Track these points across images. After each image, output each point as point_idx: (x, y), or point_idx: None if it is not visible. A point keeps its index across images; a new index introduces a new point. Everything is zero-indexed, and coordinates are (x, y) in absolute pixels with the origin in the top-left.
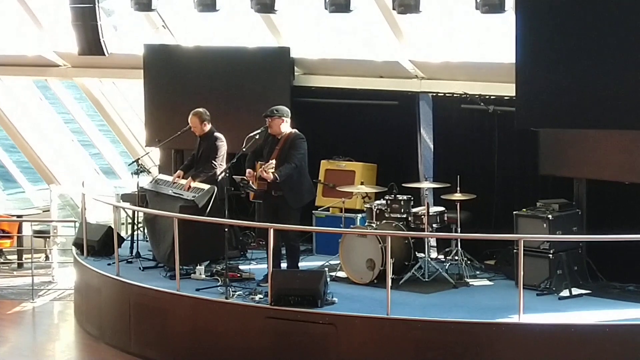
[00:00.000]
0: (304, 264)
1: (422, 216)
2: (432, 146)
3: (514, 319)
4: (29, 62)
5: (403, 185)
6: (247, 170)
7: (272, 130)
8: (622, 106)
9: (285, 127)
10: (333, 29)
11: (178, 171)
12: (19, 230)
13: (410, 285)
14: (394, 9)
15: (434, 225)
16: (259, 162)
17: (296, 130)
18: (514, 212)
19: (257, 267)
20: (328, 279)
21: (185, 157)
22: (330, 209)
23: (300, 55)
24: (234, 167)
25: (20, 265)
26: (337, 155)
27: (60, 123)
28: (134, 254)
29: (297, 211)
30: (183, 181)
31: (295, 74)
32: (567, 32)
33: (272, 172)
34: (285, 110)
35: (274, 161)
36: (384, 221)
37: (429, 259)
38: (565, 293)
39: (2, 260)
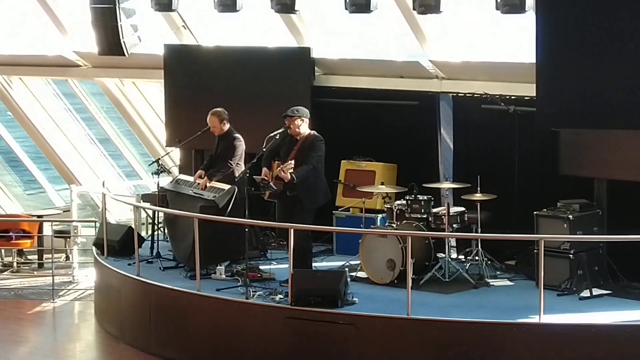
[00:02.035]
0: (324, 264)
1: (443, 216)
2: (452, 146)
3: (534, 319)
4: (50, 62)
5: (423, 185)
6: (263, 170)
7: (291, 131)
8: None
9: (304, 127)
10: (353, 29)
11: (199, 171)
12: (40, 230)
13: (430, 285)
14: (414, 9)
15: (455, 225)
16: (276, 162)
17: (315, 132)
18: (535, 212)
19: (277, 267)
20: (348, 279)
21: (206, 157)
22: (351, 209)
23: (320, 56)
24: (254, 167)
25: (40, 265)
26: (358, 156)
27: (81, 123)
28: (154, 254)
29: (312, 213)
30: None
31: (316, 74)
32: (587, 32)
33: (290, 173)
34: (305, 110)
35: (292, 162)
36: (405, 221)
37: (450, 259)
38: (586, 293)
39: (22, 260)
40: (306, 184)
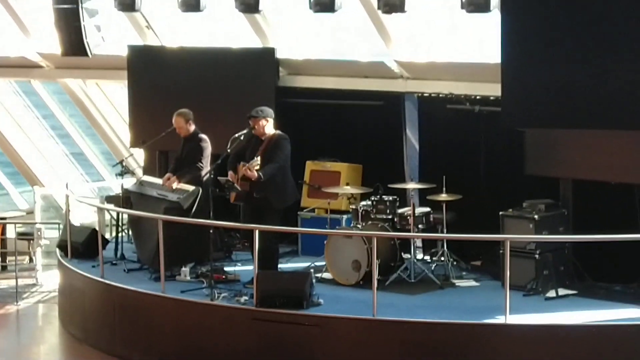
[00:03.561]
0: (289, 265)
1: (408, 217)
2: (417, 146)
3: (500, 319)
4: (12, 63)
5: (389, 186)
6: (229, 173)
7: (256, 131)
8: (608, 106)
9: (269, 128)
10: (317, 29)
11: (167, 174)
12: (3, 233)
13: (396, 286)
14: (378, 8)
15: (420, 226)
16: (242, 163)
17: (280, 131)
18: (500, 213)
19: (242, 268)
20: (314, 281)
21: (170, 158)
22: (316, 209)
23: (285, 56)
24: (219, 168)
25: (4, 268)
26: (323, 156)
27: (44, 124)
28: (118, 255)
29: (279, 213)
30: (174, 183)
31: (280, 74)
32: (552, 32)
33: (257, 171)
34: (269, 111)
35: (259, 158)
36: (370, 222)
37: (415, 260)
38: (551, 293)
39: None
40: (273, 183)
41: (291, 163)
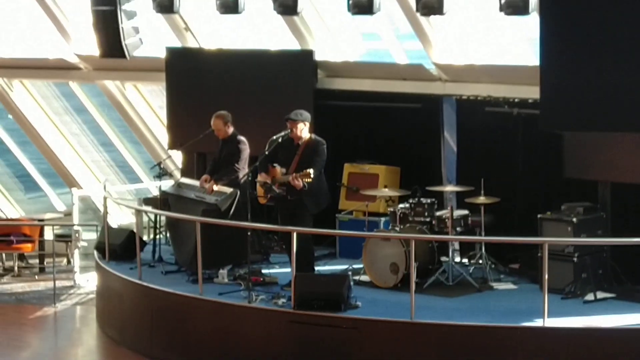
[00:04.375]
0: (327, 268)
1: (446, 220)
2: (455, 149)
3: (538, 323)
4: (51, 65)
5: (427, 188)
6: (260, 174)
7: (292, 135)
8: None
9: (306, 132)
10: (356, 31)
11: (204, 176)
12: (41, 234)
13: (434, 289)
14: (417, 10)
15: (458, 228)
16: (274, 166)
17: (316, 136)
18: (538, 216)
19: (280, 271)
20: (351, 283)
21: (208, 160)
22: (354, 212)
23: (323, 58)
24: (257, 170)
25: (42, 270)
26: (361, 159)
27: (82, 126)
28: (156, 258)
29: (312, 217)
30: (212, 184)
31: (318, 76)
32: (591, 34)
33: (304, 181)
34: (307, 114)
35: (312, 170)
36: (408, 225)
37: (453, 263)
38: (590, 297)
39: (23, 265)
40: (309, 188)
41: (329, 165)
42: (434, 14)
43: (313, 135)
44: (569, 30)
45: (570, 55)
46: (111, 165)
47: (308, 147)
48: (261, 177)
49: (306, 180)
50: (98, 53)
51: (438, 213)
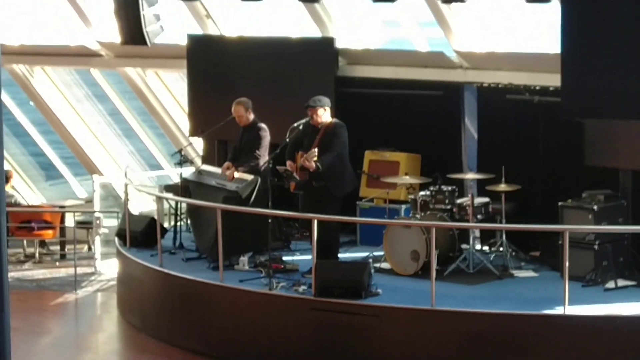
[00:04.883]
0: (348, 255)
1: (467, 207)
2: (476, 137)
3: (559, 310)
4: (72, 52)
5: (447, 176)
6: (288, 162)
7: (313, 121)
8: None
9: (326, 117)
10: (377, 19)
11: (226, 163)
12: (62, 221)
13: (454, 276)
14: None
15: (479, 216)
16: (300, 152)
17: (336, 119)
18: (559, 203)
19: (300, 258)
20: (372, 270)
21: (229, 147)
22: (375, 199)
23: (344, 46)
24: (277, 157)
25: (62, 256)
26: (381, 146)
27: (103, 113)
28: (177, 245)
29: (339, 202)
30: (233, 172)
31: (339, 64)
32: (613, 22)
33: (315, 161)
34: (326, 100)
35: (316, 150)
36: (429, 212)
37: (474, 250)
38: (610, 284)
39: (44, 251)
40: (332, 172)
41: (350, 153)
42: (455, 1)
43: (334, 120)
44: (590, 18)
45: (592, 43)
46: (132, 152)
47: (327, 130)
48: (288, 165)
49: (313, 158)
50: (119, 40)
51: (459, 200)
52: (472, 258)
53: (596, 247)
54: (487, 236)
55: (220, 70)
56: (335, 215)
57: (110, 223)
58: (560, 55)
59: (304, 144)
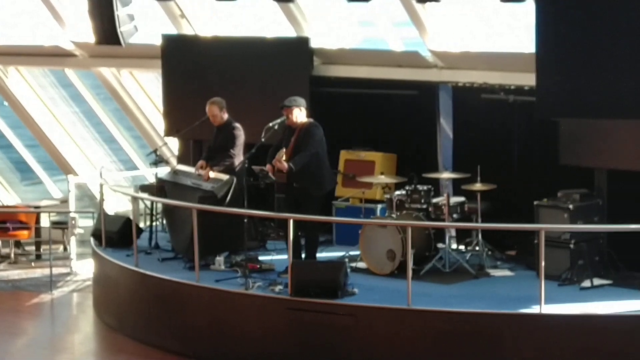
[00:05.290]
0: (324, 254)
1: (443, 206)
2: (451, 136)
3: (535, 309)
4: (47, 52)
5: (423, 175)
6: (267, 166)
7: (288, 121)
8: None
9: (302, 117)
10: (352, 19)
11: (200, 162)
12: (37, 222)
13: (431, 276)
14: None
15: (455, 215)
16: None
17: (311, 119)
18: (535, 203)
19: (276, 258)
20: (348, 270)
21: (204, 147)
22: (350, 199)
23: (319, 45)
24: (253, 157)
25: (38, 257)
26: (357, 146)
27: (78, 113)
28: (152, 245)
29: (318, 203)
30: (207, 171)
31: (314, 64)
32: (587, 21)
33: (286, 162)
34: (302, 100)
35: (283, 150)
36: (404, 211)
37: (450, 250)
38: (586, 283)
39: (20, 252)
40: (309, 171)
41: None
42: (430, 0)
43: (309, 120)
44: (565, 17)
45: (566, 42)
46: (107, 152)
47: (301, 131)
48: (268, 168)
49: (282, 159)
50: (93, 40)
51: (434, 200)
52: (448, 257)
53: (572, 246)
54: (463, 235)
55: (195, 70)
56: (315, 215)
57: (85, 223)
58: (535, 55)
59: (282, 146)
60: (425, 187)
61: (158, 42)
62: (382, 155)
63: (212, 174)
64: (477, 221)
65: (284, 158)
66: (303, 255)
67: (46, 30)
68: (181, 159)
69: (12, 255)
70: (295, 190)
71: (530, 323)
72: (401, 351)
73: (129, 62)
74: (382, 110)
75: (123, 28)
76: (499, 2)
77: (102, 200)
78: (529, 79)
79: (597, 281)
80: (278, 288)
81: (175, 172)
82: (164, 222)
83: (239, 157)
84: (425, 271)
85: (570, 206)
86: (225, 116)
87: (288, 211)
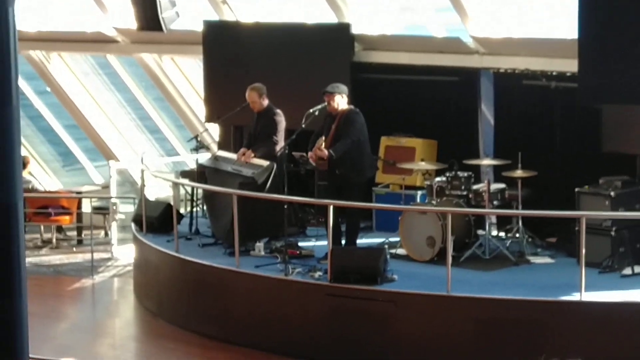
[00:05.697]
0: (363, 241)
1: (483, 193)
2: (492, 122)
3: (575, 297)
4: (89, 38)
5: (463, 162)
6: (309, 153)
7: (330, 108)
8: None
9: (343, 104)
10: (394, 4)
11: (242, 149)
12: (79, 207)
13: (470, 262)
14: None
15: (495, 202)
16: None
17: (352, 106)
18: (576, 189)
19: (316, 244)
20: (388, 257)
21: (245, 133)
22: (390, 185)
23: (360, 31)
24: (293, 143)
25: (79, 242)
26: (397, 132)
27: (119, 99)
28: (193, 230)
29: (360, 189)
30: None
31: (355, 50)
32: (629, 7)
33: (327, 149)
34: (344, 87)
35: (322, 138)
36: (445, 198)
37: (490, 237)
38: (627, 271)
39: (61, 237)
40: (350, 158)
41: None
42: None
43: (350, 106)
44: (607, 3)
45: (609, 28)
46: (149, 138)
47: (343, 117)
48: (309, 156)
49: (323, 147)
50: (135, 26)
51: (475, 186)
52: (488, 244)
53: (613, 233)
54: (503, 222)
55: (236, 56)
56: (357, 201)
57: (126, 209)
58: (578, 41)
59: (323, 133)
60: (465, 174)
61: (199, 28)
62: (422, 141)
63: (253, 160)
64: (517, 208)
65: (323, 146)
66: (343, 242)
67: (88, 16)
68: (222, 145)
69: (54, 240)
70: (336, 177)
71: (570, 310)
72: (440, 338)
73: (171, 48)
74: (423, 96)
75: (165, 14)
76: None
77: (143, 186)
78: (571, 65)
79: (638, 269)
80: (318, 274)
81: (215, 158)
82: (205, 208)
83: (280, 143)
84: (465, 258)
85: (612, 193)
86: (266, 102)
87: (329, 198)
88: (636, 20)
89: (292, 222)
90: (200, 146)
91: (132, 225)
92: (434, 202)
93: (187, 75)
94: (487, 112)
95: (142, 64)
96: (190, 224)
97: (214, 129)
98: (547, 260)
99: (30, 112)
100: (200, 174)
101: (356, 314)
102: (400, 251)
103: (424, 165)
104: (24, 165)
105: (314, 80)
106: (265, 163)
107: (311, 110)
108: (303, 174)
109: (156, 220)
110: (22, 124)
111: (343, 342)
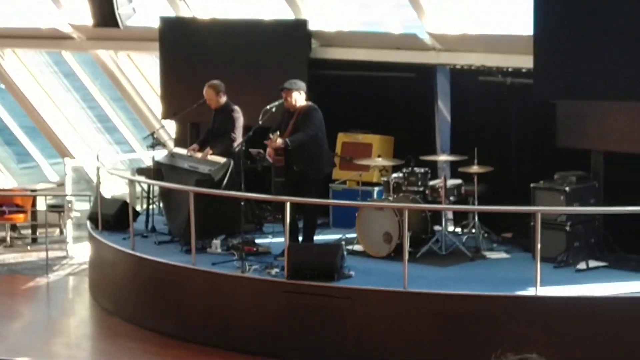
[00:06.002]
0: (320, 237)
1: (439, 189)
2: (449, 119)
3: (531, 291)
4: (44, 34)
5: (420, 158)
6: (267, 150)
7: (287, 104)
8: None
9: (301, 100)
10: (351, 1)
11: (193, 144)
12: (33, 205)
13: (427, 258)
14: None
15: (451, 198)
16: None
17: (310, 102)
18: (531, 185)
19: (273, 241)
20: (345, 253)
21: (202, 130)
22: (347, 182)
23: (317, 28)
24: (251, 140)
25: (34, 240)
26: (354, 128)
27: (75, 96)
28: (149, 228)
29: (317, 186)
30: (199, 154)
31: (312, 46)
32: (584, 3)
33: (284, 139)
34: (301, 83)
35: (277, 133)
36: (401, 194)
37: (446, 232)
38: (582, 265)
39: (16, 235)
40: (307, 154)
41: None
42: None
43: (308, 103)
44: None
45: (564, 24)
46: (104, 135)
47: (300, 113)
48: (268, 153)
49: (276, 139)
50: (91, 22)
51: (431, 182)
52: (444, 240)
53: (568, 228)
54: (459, 218)
55: (192, 52)
56: (315, 198)
57: (82, 206)
58: (533, 37)
59: (281, 130)
60: (422, 170)
61: (156, 24)
62: (379, 137)
63: (209, 157)
64: (473, 203)
65: (276, 138)
66: (300, 238)
67: (43, 12)
68: (178, 142)
69: (8, 238)
70: (294, 174)
71: (526, 305)
72: (397, 333)
73: (127, 44)
74: (380, 92)
75: (121, 10)
76: None
77: (98, 183)
78: (526, 62)
79: (592, 263)
80: (274, 271)
81: (172, 155)
82: (161, 205)
83: (237, 140)
84: (422, 254)
85: (567, 188)
86: (223, 99)
87: (286, 194)
88: (590, 17)
89: (249, 219)
90: (157, 143)
91: (88, 223)
92: (390, 198)
93: (143, 71)
94: (443, 108)
95: (98, 61)
96: (147, 222)
97: (171, 126)
98: (503, 255)
99: None
100: (156, 171)
101: (313, 310)
102: (357, 247)
103: (380, 162)
104: None
105: (271, 77)
106: (222, 160)
107: (268, 107)
108: (260, 170)
109: (112, 217)
110: None
111: (300, 339)
